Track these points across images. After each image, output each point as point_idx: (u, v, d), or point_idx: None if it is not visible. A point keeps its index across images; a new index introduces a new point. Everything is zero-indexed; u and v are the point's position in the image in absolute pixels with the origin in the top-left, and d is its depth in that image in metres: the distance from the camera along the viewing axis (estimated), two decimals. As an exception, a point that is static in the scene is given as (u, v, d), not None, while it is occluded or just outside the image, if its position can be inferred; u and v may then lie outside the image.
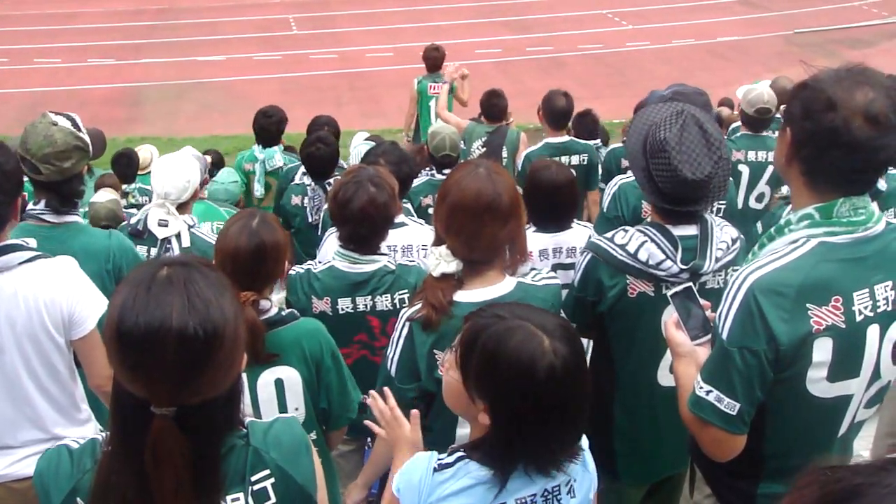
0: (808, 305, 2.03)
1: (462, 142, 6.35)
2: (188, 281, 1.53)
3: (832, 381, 2.11)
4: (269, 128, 6.60)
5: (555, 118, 6.01)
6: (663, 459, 3.10)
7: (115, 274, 3.32)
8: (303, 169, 5.58)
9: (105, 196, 5.87)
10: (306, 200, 5.40)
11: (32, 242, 2.78)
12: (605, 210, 3.90)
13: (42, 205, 3.26)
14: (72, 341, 2.76)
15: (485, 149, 6.85)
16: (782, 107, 2.24)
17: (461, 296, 2.59)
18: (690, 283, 2.44)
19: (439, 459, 1.92)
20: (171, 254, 3.84)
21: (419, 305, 2.62)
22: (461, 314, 2.52)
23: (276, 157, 6.60)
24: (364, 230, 3.25)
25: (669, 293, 2.39)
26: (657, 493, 3.28)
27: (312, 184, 5.36)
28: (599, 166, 6.28)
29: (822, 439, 2.25)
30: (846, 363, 2.10)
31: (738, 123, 6.47)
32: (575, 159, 5.98)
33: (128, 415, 1.55)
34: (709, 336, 2.30)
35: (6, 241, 2.68)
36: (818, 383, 2.10)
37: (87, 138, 3.28)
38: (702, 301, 2.38)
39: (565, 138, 6.00)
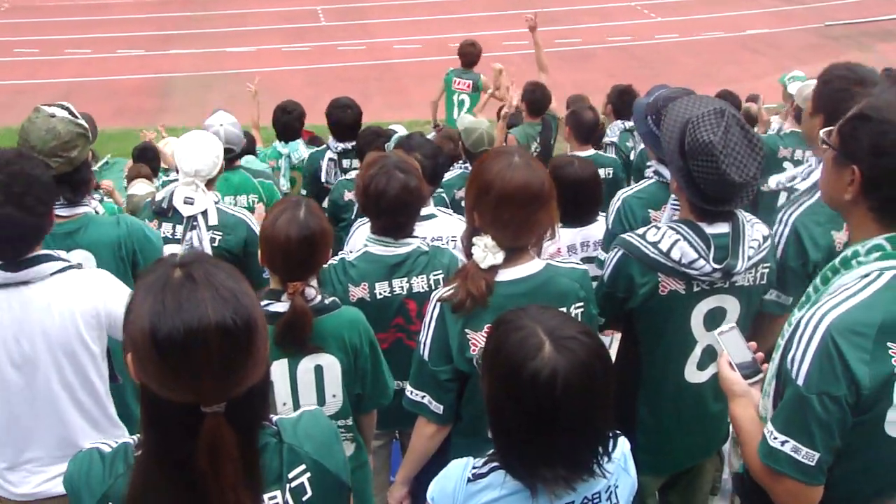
0: (889, 344, 1.93)
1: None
2: (209, 275, 1.50)
3: None
4: (290, 123, 6.67)
5: (583, 132, 5.99)
6: (685, 452, 3.11)
7: (128, 259, 3.31)
8: (350, 163, 5.63)
9: (143, 189, 5.95)
10: None
11: (62, 253, 2.76)
12: (609, 226, 3.70)
13: None
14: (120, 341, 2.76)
15: (541, 148, 6.84)
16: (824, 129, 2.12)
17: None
18: (735, 324, 2.39)
19: (474, 468, 1.91)
20: (198, 231, 3.83)
21: (453, 288, 2.65)
22: (494, 293, 2.60)
23: (300, 150, 6.66)
24: (401, 218, 3.27)
25: (716, 333, 2.33)
26: (678, 484, 3.31)
27: None
28: (624, 180, 6.23)
29: (894, 481, 2.14)
30: None
31: (772, 117, 6.40)
32: (601, 173, 5.93)
33: (173, 422, 1.51)
34: (760, 375, 2.23)
35: (37, 252, 2.66)
36: None
37: (86, 124, 3.26)
38: (749, 343, 2.33)
39: (591, 152, 5.98)
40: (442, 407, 2.74)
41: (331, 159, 5.87)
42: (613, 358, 2.11)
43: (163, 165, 7.75)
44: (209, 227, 3.85)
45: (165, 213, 3.91)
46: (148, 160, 7.63)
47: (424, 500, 2.02)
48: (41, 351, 2.62)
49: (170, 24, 20.59)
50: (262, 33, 19.72)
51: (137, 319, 1.48)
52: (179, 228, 3.86)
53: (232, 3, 22.27)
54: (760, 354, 2.27)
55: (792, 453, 1.99)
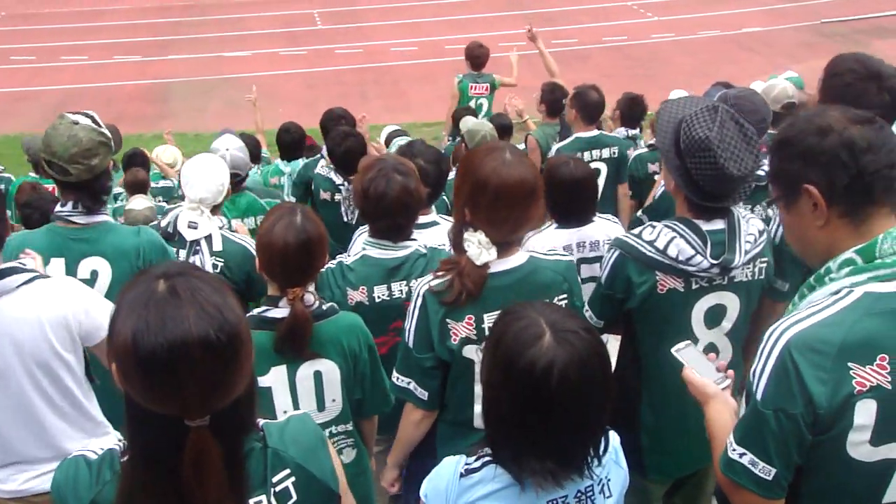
0: (849, 364, 1.84)
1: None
2: (193, 290, 1.49)
3: (876, 445, 1.89)
4: (292, 144, 7.12)
5: (589, 112, 5.96)
6: (690, 455, 3.07)
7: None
8: (323, 163, 5.61)
9: (141, 203, 5.97)
10: (337, 196, 5.38)
11: (29, 263, 2.75)
12: (657, 197, 3.80)
13: (70, 206, 3.25)
14: (90, 348, 2.73)
15: None
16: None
17: None
18: (689, 342, 2.35)
19: (466, 464, 1.92)
20: (201, 256, 3.83)
21: (442, 281, 2.68)
22: None
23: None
24: (401, 219, 3.28)
25: (673, 350, 2.29)
26: (683, 487, 3.29)
27: (346, 183, 5.32)
28: (627, 161, 6.26)
29: (859, 501, 2.02)
30: (892, 426, 1.88)
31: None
32: (606, 152, 5.97)
33: (158, 433, 1.52)
34: (728, 382, 2.20)
35: (4, 265, 2.63)
36: (860, 447, 1.89)
37: (108, 133, 3.28)
38: (708, 354, 2.33)
39: (595, 132, 5.98)
40: (427, 393, 2.78)
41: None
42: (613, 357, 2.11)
43: (154, 171, 7.79)
44: (212, 253, 3.84)
45: (171, 237, 3.89)
46: (136, 167, 7.68)
47: (415, 481, 2.03)
48: (13, 362, 2.61)
49: (167, 30, 20.60)
50: (259, 38, 19.73)
51: (121, 334, 1.47)
52: (183, 253, 3.86)
53: (229, 8, 22.30)
54: (722, 363, 2.25)
55: (749, 466, 1.95)
